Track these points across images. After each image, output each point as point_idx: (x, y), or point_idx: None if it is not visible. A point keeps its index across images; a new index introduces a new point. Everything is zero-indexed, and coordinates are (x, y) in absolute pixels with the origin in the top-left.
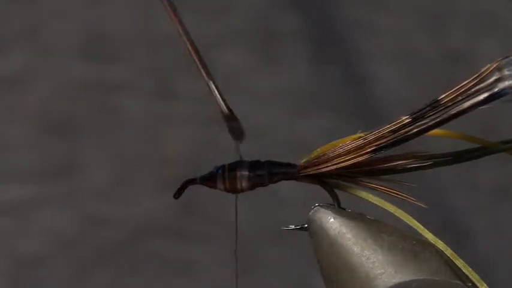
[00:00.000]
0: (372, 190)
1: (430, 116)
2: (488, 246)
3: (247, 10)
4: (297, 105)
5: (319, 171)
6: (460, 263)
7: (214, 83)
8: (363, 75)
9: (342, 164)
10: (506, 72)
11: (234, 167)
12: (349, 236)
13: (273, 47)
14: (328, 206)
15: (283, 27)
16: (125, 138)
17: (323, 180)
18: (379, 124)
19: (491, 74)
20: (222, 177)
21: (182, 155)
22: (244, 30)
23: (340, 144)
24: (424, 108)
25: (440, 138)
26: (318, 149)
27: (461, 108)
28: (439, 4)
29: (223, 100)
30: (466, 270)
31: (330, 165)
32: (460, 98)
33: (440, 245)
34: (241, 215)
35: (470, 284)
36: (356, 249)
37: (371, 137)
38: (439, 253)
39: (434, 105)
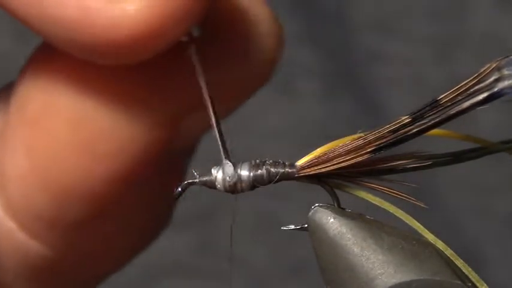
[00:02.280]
0: (372, 190)
1: (430, 116)
2: (504, 275)
3: None
4: (310, 137)
5: (319, 171)
6: (460, 263)
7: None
8: (376, 105)
9: (342, 164)
10: (505, 72)
11: (234, 167)
12: (349, 236)
13: (286, 79)
14: (328, 206)
15: (296, 58)
16: None
17: (323, 180)
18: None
19: (490, 73)
20: (221, 177)
21: (197, 193)
22: None
23: (340, 144)
24: (424, 108)
25: (440, 138)
26: (318, 149)
27: (460, 108)
28: (448, 30)
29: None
30: (466, 270)
31: (330, 165)
32: (459, 98)
33: (440, 245)
34: (259, 252)
35: (470, 284)
36: (356, 249)
37: (371, 137)
38: (439, 253)
39: (434, 105)
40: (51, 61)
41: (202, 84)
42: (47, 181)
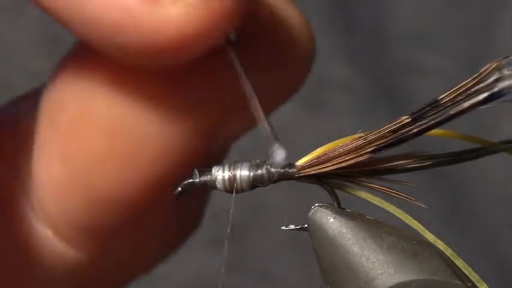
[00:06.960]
0: (372, 190)
1: (430, 116)
2: None
3: None
4: None
5: (319, 171)
6: (460, 263)
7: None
8: None
9: (342, 164)
10: (505, 72)
11: (234, 167)
12: (349, 236)
13: (319, 94)
14: (327, 206)
15: (330, 73)
16: None
17: (323, 180)
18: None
19: (491, 73)
20: (221, 177)
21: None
22: None
23: (340, 144)
24: (424, 108)
25: (441, 138)
26: (318, 149)
27: (461, 108)
28: (481, 44)
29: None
30: (466, 270)
31: (330, 165)
32: (459, 97)
33: (440, 245)
34: (289, 269)
35: (470, 284)
36: (356, 249)
37: (371, 137)
38: (439, 253)
39: (434, 105)
40: (87, 65)
41: (246, 85)
42: (83, 189)
